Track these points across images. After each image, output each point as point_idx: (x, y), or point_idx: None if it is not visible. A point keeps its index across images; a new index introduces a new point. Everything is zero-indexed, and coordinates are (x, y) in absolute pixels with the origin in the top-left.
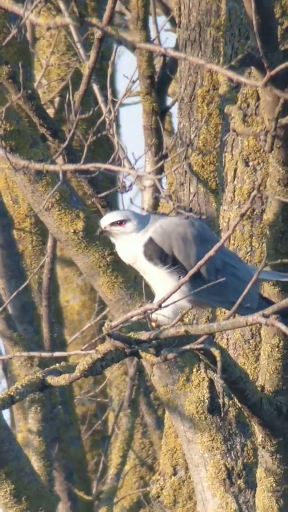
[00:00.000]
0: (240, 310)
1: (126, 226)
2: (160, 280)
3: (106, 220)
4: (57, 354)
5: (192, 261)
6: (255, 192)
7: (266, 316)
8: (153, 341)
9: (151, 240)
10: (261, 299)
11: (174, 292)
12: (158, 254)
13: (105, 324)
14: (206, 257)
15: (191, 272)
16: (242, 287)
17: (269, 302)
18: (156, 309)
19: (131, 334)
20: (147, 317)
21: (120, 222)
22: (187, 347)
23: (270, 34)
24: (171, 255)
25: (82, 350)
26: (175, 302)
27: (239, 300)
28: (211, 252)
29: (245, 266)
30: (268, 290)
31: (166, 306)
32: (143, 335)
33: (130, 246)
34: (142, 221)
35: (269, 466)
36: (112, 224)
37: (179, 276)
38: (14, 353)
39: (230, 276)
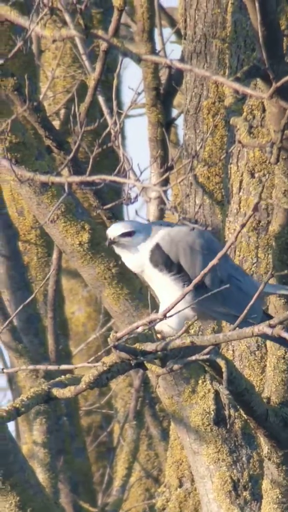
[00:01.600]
0: (244, 323)
1: (135, 237)
2: (165, 287)
3: (115, 231)
4: (63, 367)
5: (198, 271)
6: (256, 200)
7: (272, 327)
8: (159, 352)
9: (158, 246)
10: (265, 316)
11: (178, 301)
12: (164, 260)
13: (111, 335)
14: (209, 265)
15: (195, 281)
16: (246, 301)
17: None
18: (161, 319)
19: (137, 345)
20: (152, 328)
21: (130, 234)
22: (193, 358)
23: (276, 45)
24: (177, 263)
25: (88, 362)
26: (180, 311)
27: (245, 311)
28: (214, 261)
29: (250, 280)
30: (274, 302)
31: (171, 316)
32: (149, 346)
33: (138, 255)
34: (146, 230)
35: (275, 478)
36: (122, 235)
37: (184, 284)
38: (19, 365)
39: (234, 288)
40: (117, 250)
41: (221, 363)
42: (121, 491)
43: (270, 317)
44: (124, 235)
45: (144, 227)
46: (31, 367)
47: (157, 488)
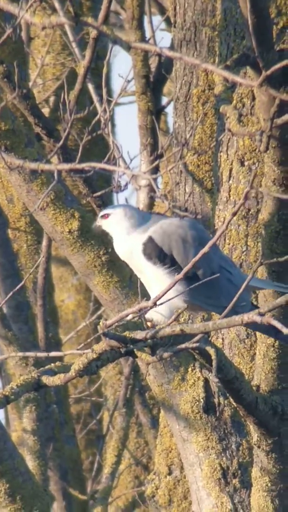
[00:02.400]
0: (232, 313)
1: (109, 219)
2: (156, 280)
3: (106, 210)
4: (53, 354)
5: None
6: (247, 188)
7: (261, 315)
8: (149, 340)
9: (150, 239)
10: (253, 306)
11: (168, 290)
12: (157, 253)
13: (100, 323)
14: (200, 253)
15: (185, 269)
16: (236, 292)
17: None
18: (151, 307)
19: (127, 333)
20: (142, 316)
21: (107, 215)
22: (183, 346)
23: (266, 34)
24: (170, 256)
25: (77, 349)
26: (169, 300)
27: (234, 299)
28: (205, 249)
29: (239, 272)
30: (263, 290)
31: (161, 304)
32: (139, 334)
33: (126, 241)
34: (143, 219)
35: (264, 466)
36: (101, 217)
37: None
38: (9, 353)
39: (225, 280)
40: (105, 228)
41: (211, 351)
42: (111, 478)
43: (258, 308)
44: (103, 217)
45: (142, 215)
46: (20, 354)
47: (147, 475)
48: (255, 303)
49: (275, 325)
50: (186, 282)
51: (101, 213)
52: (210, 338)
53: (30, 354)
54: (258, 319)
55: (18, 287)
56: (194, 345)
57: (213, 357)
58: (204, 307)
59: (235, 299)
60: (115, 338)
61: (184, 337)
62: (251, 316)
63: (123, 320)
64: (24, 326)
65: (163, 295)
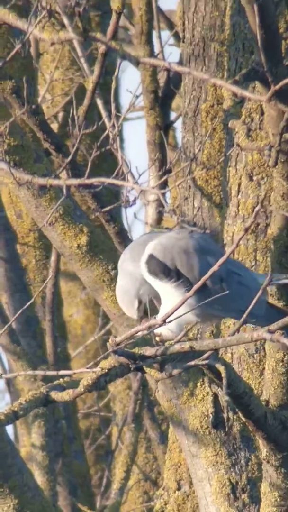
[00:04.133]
0: (247, 318)
1: (143, 301)
2: (166, 294)
3: (133, 313)
4: (62, 372)
5: (196, 273)
6: (258, 207)
7: (271, 332)
8: (158, 357)
9: (152, 256)
10: (269, 307)
11: (179, 307)
12: (162, 269)
13: (110, 340)
14: (210, 272)
15: (195, 287)
16: (249, 294)
17: (275, 309)
18: (160, 325)
19: (136, 350)
20: (151, 332)
21: (139, 304)
22: (192, 363)
23: (275, 48)
24: (175, 269)
25: (87, 368)
26: (180, 316)
27: (247, 312)
28: (215, 267)
29: (249, 272)
30: (273, 301)
31: (170, 321)
32: (148, 351)
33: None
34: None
35: (273, 481)
36: (139, 309)
37: (185, 290)
38: (18, 368)
39: (235, 284)
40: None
41: (221, 368)
42: (120, 494)
43: (275, 308)
44: (139, 307)
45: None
46: (30, 372)
47: (156, 491)
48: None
49: (285, 343)
50: (196, 295)
51: (135, 313)
52: (220, 354)
53: (40, 372)
54: (268, 336)
55: (27, 304)
56: (204, 362)
57: (223, 374)
58: (218, 314)
59: (244, 315)
60: (124, 355)
61: (194, 352)
62: (261, 334)
63: (132, 337)
64: (32, 341)
65: (172, 312)
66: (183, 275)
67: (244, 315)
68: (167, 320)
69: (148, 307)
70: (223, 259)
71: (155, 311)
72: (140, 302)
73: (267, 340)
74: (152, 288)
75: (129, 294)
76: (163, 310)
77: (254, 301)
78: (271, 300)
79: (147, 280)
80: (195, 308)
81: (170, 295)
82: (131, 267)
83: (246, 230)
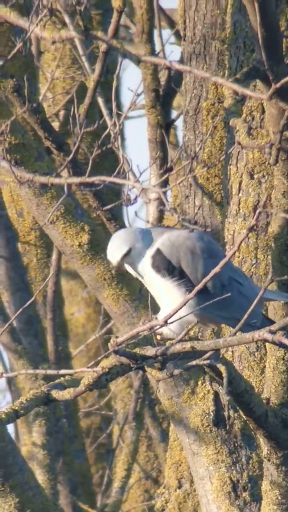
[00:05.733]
0: (245, 327)
1: (134, 251)
2: (167, 292)
3: (115, 256)
4: (63, 372)
5: (200, 275)
6: (260, 209)
7: (272, 333)
8: (159, 357)
9: (159, 251)
10: (265, 318)
11: (180, 308)
12: (166, 265)
13: (111, 340)
14: (211, 273)
15: (197, 288)
16: (247, 304)
17: (271, 322)
18: (162, 326)
19: (137, 350)
20: (152, 332)
21: (128, 252)
22: (193, 363)
23: (275, 47)
24: (179, 268)
25: (88, 367)
26: (181, 318)
27: (245, 317)
28: (216, 269)
29: (250, 283)
30: (273, 303)
31: (172, 322)
32: (149, 351)
33: (140, 263)
34: (145, 238)
35: (274, 479)
36: (122, 258)
37: (186, 290)
38: (19, 366)
39: (235, 292)
40: (127, 268)
41: (222, 368)
42: (121, 492)
43: (270, 320)
44: (124, 256)
45: (143, 235)
46: (30, 371)
47: (157, 489)
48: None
49: (286, 343)
50: (196, 296)
51: (118, 256)
52: (221, 354)
53: (41, 371)
54: (269, 337)
55: (28, 302)
56: (205, 362)
57: (224, 374)
58: (216, 320)
59: (244, 317)
60: (125, 355)
61: (195, 352)
62: (262, 334)
63: (134, 338)
64: (34, 339)
65: (174, 313)
66: (186, 275)
67: (241, 322)
68: (169, 321)
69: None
70: (225, 260)
71: (155, 307)
72: (129, 251)
73: (268, 340)
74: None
75: (125, 236)
76: (164, 309)
77: (250, 309)
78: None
79: (149, 273)
80: (195, 311)
81: (171, 294)
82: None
83: (250, 230)
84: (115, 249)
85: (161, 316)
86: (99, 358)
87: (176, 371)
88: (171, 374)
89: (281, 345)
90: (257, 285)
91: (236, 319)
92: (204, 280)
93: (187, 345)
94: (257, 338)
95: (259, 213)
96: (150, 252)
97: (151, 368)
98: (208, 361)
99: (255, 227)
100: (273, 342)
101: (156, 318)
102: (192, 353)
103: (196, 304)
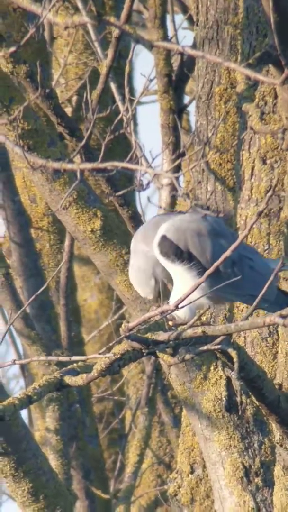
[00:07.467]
0: (262, 302)
1: (158, 281)
2: (177, 277)
3: (150, 295)
4: (74, 358)
5: (208, 256)
6: (270, 192)
7: (283, 317)
8: (170, 342)
9: (165, 238)
10: (280, 292)
11: (191, 292)
12: (174, 250)
13: (122, 326)
14: (222, 257)
15: (207, 272)
16: (260, 279)
17: (286, 295)
18: (173, 310)
19: (149, 335)
20: (164, 317)
21: (156, 283)
22: (205, 347)
23: None
24: (187, 251)
25: (99, 353)
26: (193, 301)
27: (259, 297)
28: (227, 253)
29: (260, 257)
30: (285, 286)
31: (183, 307)
32: (161, 336)
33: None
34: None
35: (286, 464)
36: (155, 290)
37: (197, 272)
38: (32, 352)
39: (247, 268)
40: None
41: (233, 353)
42: (133, 477)
43: (285, 294)
44: (155, 288)
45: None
46: (42, 358)
47: (169, 474)
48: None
49: None
50: (207, 279)
51: (151, 294)
52: (232, 339)
53: (53, 358)
54: (280, 321)
55: (41, 289)
56: (216, 347)
57: (235, 359)
58: (229, 298)
59: (258, 298)
60: (137, 340)
61: (206, 336)
62: (273, 319)
63: (145, 323)
64: (47, 325)
65: (185, 297)
66: (195, 258)
67: (257, 300)
68: (180, 306)
69: (161, 289)
70: (236, 244)
71: (167, 295)
72: (156, 281)
73: (279, 325)
74: (165, 270)
75: (145, 273)
76: (175, 293)
77: (266, 286)
78: (283, 283)
79: (160, 261)
80: (207, 294)
81: (181, 278)
82: (145, 248)
83: (259, 214)
84: (145, 290)
85: (172, 300)
86: (111, 344)
87: (188, 356)
88: (182, 359)
89: None
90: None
91: (251, 295)
92: (215, 264)
93: (199, 330)
94: (268, 323)
95: (270, 196)
96: (156, 240)
97: (162, 353)
98: (219, 346)
99: (267, 212)
100: (284, 326)
101: (168, 303)
102: (203, 338)
103: (208, 286)
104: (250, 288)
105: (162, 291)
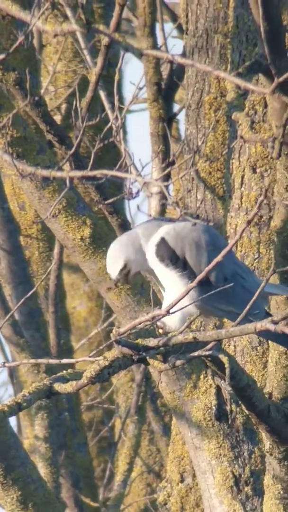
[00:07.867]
0: (245, 321)
1: (130, 265)
2: (169, 283)
3: (113, 272)
4: (64, 361)
5: (203, 268)
6: (261, 198)
7: (275, 323)
8: (161, 348)
9: (164, 240)
10: (267, 314)
11: (182, 298)
12: (170, 255)
13: (113, 331)
14: (213, 262)
15: (199, 277)
16: (250, 299)
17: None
18: (164, 315)
19: (139, 341)
20: (154, 323)
21: (124, 266)
22: (195, 353)
23: (278, 40)
24: (183, 259)
25: (89, 356)
26: (183, 308)
27: (247, 307)
28: (218, 258)
29: (254, 278)
30: (275, 298)
31: (174, 312)
32: (151, 342)
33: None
34: (147, 231)
35: (276, 473)
36: (120, 273)
37: (189, 281)
38: (21, 359)
39: (238, 287)
40: (131, 279)
41: (224, 359)
42: (123, 486)
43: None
44: (121, 271)
45: (143, 230)
46: (32, 361)
47: (159, 483)
48: (268, 310)
49: None
50: (198, 288)
51: (116, 272)
52: (223, 346)
53: (42, 361)
54: (271, 327)
55: (29, 294)
56: (207, 352)
57: (226, 365)
58: (218, 314)
59: (248, 307)
60: (127, 345)
61: (197, 344)
62: (265, 324)
63: (136, 328)
64: (36, 333)
65: (176, 303)
66: (190, 267)
67: (248, 306)
68: (171, 311)
69: (130, 278)
70: (226, 249)
71: (156, 300)
72: (125, 266)
73: (271, 330)
74: (145, 264)
75: (120, 252)
76: (167, 300)
77: (251, 301)
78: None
79: (151, 262)
80: (197, 301)
81: (172, 284)
82: (141, 236)
83: (249, 222)
84: (111, 265)
85: (163, 306)
86: (101, 347)
87: (179, 362)
88: (173, 365)
89: (279, 340)
90: (260, 278)
91: (238, 313)
92: (206, 269)
93: (189, 336)
94: (259, 329)
95: (261, 202)
96: (155, 240)
97: (153, 359)
98: (210, 352)
99: (257, 219)
100: (276, 332)
101: (159, 309)
102: (194, 345)
103: (198, 295)
104: (239, 306)
105: (135, 283)
